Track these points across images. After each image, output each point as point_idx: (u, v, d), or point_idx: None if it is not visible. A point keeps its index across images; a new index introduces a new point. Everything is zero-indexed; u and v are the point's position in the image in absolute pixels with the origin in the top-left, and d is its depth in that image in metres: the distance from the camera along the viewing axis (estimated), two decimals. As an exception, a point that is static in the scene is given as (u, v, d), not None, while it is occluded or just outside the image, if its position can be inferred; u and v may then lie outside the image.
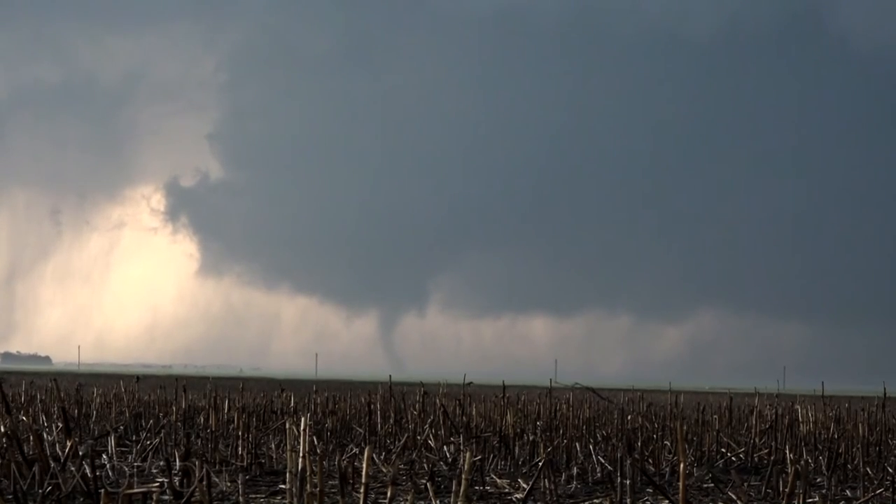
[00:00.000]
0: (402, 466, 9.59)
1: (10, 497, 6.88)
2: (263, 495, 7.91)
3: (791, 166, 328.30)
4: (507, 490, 8.52)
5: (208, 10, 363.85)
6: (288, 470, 5.92)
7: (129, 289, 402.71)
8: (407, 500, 7.58)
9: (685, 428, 11.81)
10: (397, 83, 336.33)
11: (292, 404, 15.14)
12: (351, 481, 7.81)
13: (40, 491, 6.84)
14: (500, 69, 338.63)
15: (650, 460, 9.78)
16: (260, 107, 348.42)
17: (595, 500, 8.24)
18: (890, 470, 9.71)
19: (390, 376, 16.98)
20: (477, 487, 8.44)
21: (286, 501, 5.72)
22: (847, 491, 9.04)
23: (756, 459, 10.77)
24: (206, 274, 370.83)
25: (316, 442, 10.68)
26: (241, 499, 7.73)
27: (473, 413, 12.40)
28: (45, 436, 9.38)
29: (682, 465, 5.09)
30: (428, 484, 7.58)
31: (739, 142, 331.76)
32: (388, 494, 5.40)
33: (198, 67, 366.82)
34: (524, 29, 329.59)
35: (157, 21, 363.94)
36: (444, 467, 9.73)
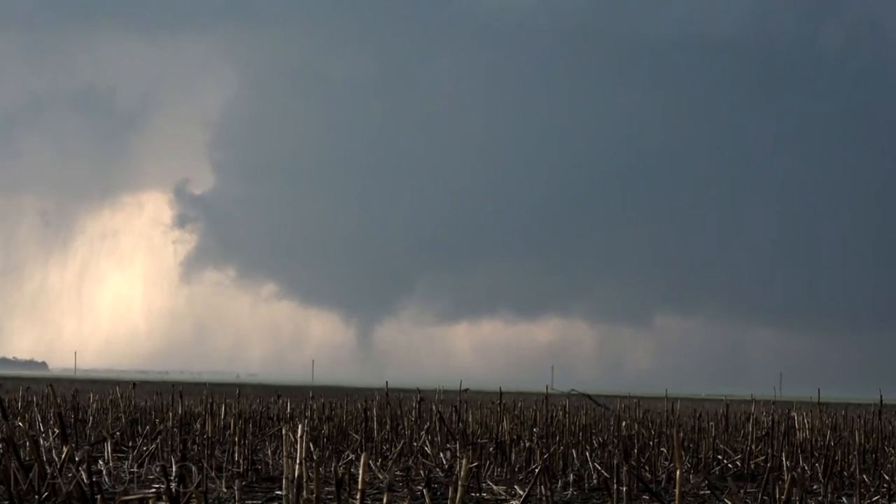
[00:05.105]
0: (398, 473, 9.59)
1: (7, 502, 6.87)
2: (260, 501, 7.91)
3: (786, 172, 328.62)
4: (503, 497, 8.52)
5: (214, 22, 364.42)
6: (284, 476, 5.92)
7: (126, 294, 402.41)
8: (403, 506, 7.59)
9: (681, 435, 11.82)
10: (398, 98, 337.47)
11: (289, 410, 15.14)
12: (347, 488, 7.82)
13: (37, 496, 6.84)
14: (500, 86, 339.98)
15: (646, 467, 9.78)
16: (261, 119, 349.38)
17: (591, 507, 8.25)
18: (886, 477, 9.72)
19: (387, 382, 16.98)
20: (473, 494, 8.44)
21: (283, 507, 5.72)
22: (843, 498, 9.05)
23: (752, 466, 10.77)
24: (198, 279, 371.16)
25: (312, 448, 10.68)
26: (237, 505, 7.73)
27: (470, 419, 12.40)
28: (41, 441, 9.37)
29: (678, 472, 5.09)
30: (424, 490, 7.58)
31: (735, 146, 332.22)
32: (385, 501, 5.40)
33: (202, 77, 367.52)
34: (524, 43, 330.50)
35: (165, 32, 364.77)
36: (441, 474, 9.73)
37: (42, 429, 11.59)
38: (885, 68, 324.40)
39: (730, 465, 10.90)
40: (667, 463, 10.33)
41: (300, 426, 5.83)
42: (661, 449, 10.76)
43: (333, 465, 9.52)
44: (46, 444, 9.83)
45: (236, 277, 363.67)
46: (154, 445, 9.81)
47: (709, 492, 9.08)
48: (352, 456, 10.66)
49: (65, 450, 6.85)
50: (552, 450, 10.24)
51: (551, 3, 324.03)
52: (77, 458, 6.78)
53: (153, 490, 7.75)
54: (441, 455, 10.38)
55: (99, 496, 5.55)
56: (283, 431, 6.87)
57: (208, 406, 11.06)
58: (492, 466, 10.12)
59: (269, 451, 10.26)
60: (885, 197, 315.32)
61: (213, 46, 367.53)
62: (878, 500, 8.87)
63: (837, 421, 14.12)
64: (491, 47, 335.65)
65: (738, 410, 19.90)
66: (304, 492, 5.67)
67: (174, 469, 8.09)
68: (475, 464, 8.75)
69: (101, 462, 9.16)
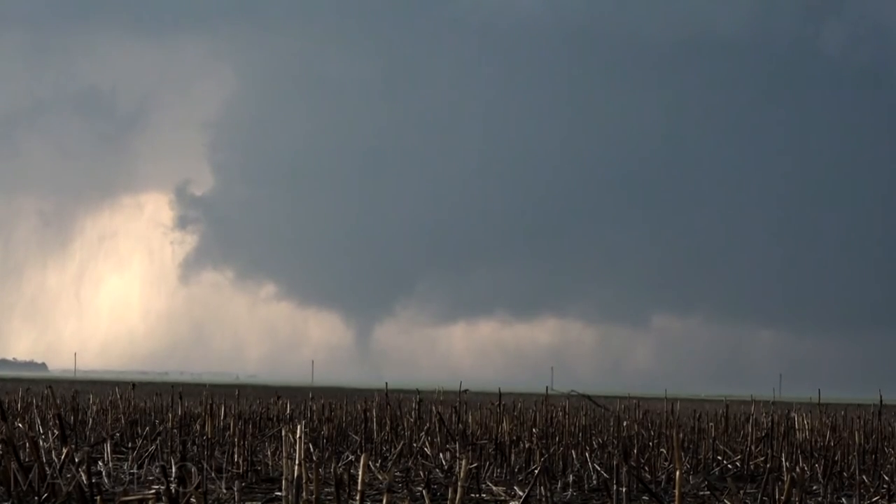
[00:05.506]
0: (398, 474, 9.59)
1: (7, 503, 6.87)
2: (259, 502, 7.91)
3: (786, 174, 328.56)
4: (503, 497, 8.52)
5: (215, 23, 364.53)
6: (284, 477, 5.92)
7: (126, 295, 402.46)
8: (403, 507, 7.58)
9: (681, 435, 11.82)
10: (398, 99, 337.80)
11: (288, 411, 15.14)
12: (347, 489, 7.81)
13: (37, 497, 6.84)
14: (501, 87, 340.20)
15: (646, 468, 9.78)
16: (261, 120, 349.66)
17: (591, 508, 8.24)
18: (886, 478, 9.72)
19: (386, 384, 16.97)
20: (473, 495, 8.44)
21: (282, 508, 5.72)
22: (843, 499, 9.05)
23: (752, 467, 10.77)
24: (199, 280, 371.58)
25: (312, 449, 10.68)
26: (237, 506, 7.73)
27: (469, 420, 12.40)
28: (41, 442, 9.37)
29: (678, 473, 5.09)
30: (424, 491, 7.58)
31: (734, 146, 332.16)
32: (385, 502, 5.40)
33: (203, 78, 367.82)
34: (525, 46, 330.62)
35: (165, 33, 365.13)
36: (441, 475, 9.73)
37: (42, 430, 11.59)
38: (887, 67, 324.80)
39: (729, 466, 10.90)
40: (667, 464, 10.33)
41: (300, 427, 5.83)
42: (661, 450, 10.76)
43: (333, 466, 9.52)
44: (46, 446, 9.83)
45: (236, 278, 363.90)
46: (154, 446, 9.80)
47: (708, 492, 9.08)
48: (351, 457, 10.66)
49: (64, 451, 6.85)
50: (552, 451, 10.23)
51: (554, 3, 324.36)
52: (77, 459, 6.78)
53: (153, 491, 7.75)
54: (441, 456, 10.38)
55: (98, 497, 5.56)
56: (283, 432, 6.87)
57: (208, 407, 11.05)
58: (491, 467, 10.12)
59: (269, 452, 10.26)
60: (885, 197, 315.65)
61: (214, 47, 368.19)
62: (877, 500, 8.87)
63: (837, 421, 14.12)
64: (492, 48, 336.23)
65: (738, 411, 19.90)
66: (304, 493, 5.67)
67: (174, 470, 8.08)
68: (475, 465, 8.75)
69: (100, 463, 9.15)
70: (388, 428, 12.12)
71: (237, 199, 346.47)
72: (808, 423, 13.14)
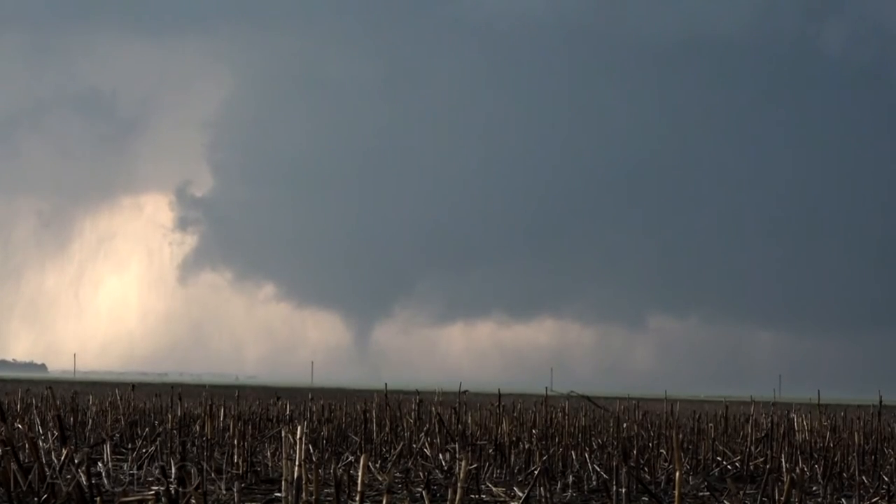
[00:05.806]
0: (397, 475, 9.59)
1: (6, 505, 6.87)
2: (259, 503, 7.91)
3: (786, 175, 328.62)
4: (502, 498, 8.52)
5: (215, 24, 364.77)
6: (284, 478, 5.92)
7: (125, 296, 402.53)
8: (403, 508, 7.59)
9: (681, 436, 11.81)
10: (398, 100, 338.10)
11: (288, 412, 15.14)
12: (346, 490, 7.81)
13: (36, 498, 6.84)
14: (501, 88, 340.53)
15: (646, 469, 9.78)
16: (261, 121, 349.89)
17: (591, 509, 8.24)
18: (885, 478, 9.72)
19: (386, 385, 16.97)
20: (473, 496, 8.44)
21: (282, 509, 5.72)
22: (843, 500, 9.05)
23: (752, 468, 10.77)
24: (198, 281, 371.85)
25: (312, 450, 10.68)
26: (236, 507, 7.73)
27: (469, 421, 12.40)
28: (40, 443, 9.37)
29: (677, 474, 5.09)
30: (424, 492, 7.58)
31: (734, 146, 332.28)
32: (384, 502, 5.41)
33: (203, 79, 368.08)
34: (524, 46, 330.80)
35: (166, 34, 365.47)
36: (440, 475, 9.73)
37: (41, 431, 11.59)
38: (887, 67, 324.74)
39: (729, 467, 10.90)
40: (666, 464, 10.33)
41: (299, 428, 5.83)
42: (661, 450, 10.76)
43: (333, 466, 9.52)
44: (46, 446, 9.83)
45: (235, 279, 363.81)
46: (153, 447, 9.80)
47: (708, 493, 9.07)
48: (351, 458, 10.66)
49: (64, 452, 6.85)
50: (551, 451, 10.23)
51: (554, 3, 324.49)
52: (76, 460, 6.78)
53: (153, 492, 7.75)
54: (440, 457, 10.38)
55: (98, 498, 5.56)
56: (283, 433, 6.87)
57: (207, 408, 11.05)
58: (491, 468, 10.12)
59: (269, 453, 10.25)
60: (885, 197, 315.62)
61: (214, 48, 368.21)
62: (877, 501, 8.87)
63: (837, 422, 14.12)
64: (492, 48, 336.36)
65: (738, 412, 19.89)
66: (304, 494, 5.67)
67: (174, 471, 8.09)
68: (474, 465, 8.75)
69: (100, 464, 9.15)
70: (387, 429, 12.13)
71: (237, 200, 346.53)
72: (807, 423, 13.14)
